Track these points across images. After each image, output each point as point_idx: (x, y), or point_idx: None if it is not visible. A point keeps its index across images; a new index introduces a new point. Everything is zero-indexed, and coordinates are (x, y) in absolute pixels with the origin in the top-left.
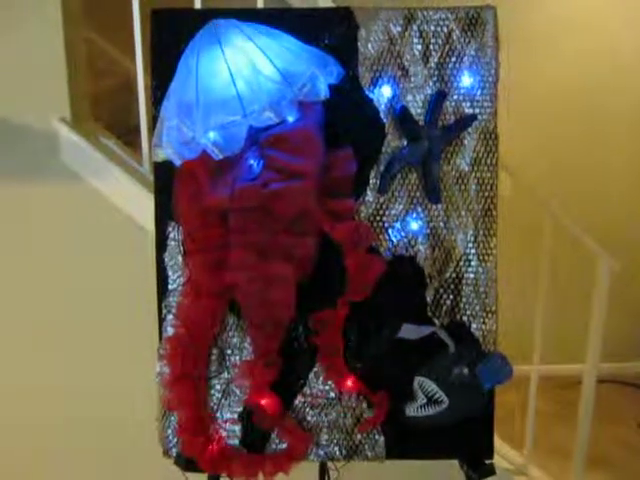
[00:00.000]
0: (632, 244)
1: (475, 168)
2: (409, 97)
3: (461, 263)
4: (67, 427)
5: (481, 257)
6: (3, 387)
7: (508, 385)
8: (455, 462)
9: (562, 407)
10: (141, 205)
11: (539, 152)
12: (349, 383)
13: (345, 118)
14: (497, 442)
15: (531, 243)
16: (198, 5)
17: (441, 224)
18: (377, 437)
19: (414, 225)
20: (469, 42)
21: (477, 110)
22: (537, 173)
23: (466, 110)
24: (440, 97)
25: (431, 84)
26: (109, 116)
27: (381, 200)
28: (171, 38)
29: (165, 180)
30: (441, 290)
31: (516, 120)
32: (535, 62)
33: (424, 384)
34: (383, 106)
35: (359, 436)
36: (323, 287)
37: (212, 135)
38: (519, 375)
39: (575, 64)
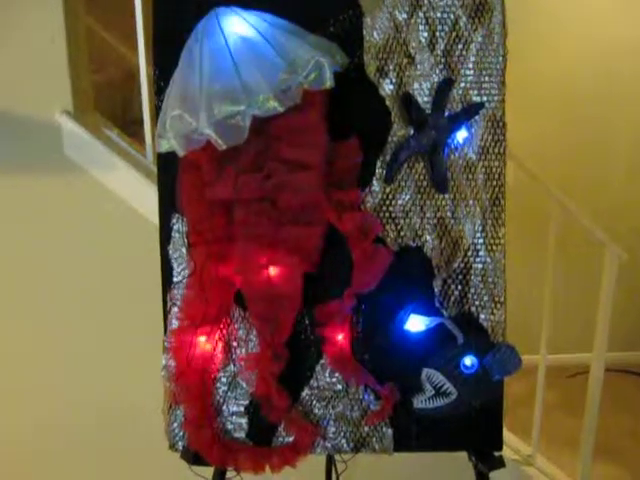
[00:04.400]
0: (637, 231)
1: (483, 157)
2: (415, 85)
3: (469, 253)
4: (73, 421)
5: (489, 247)
6: (6, 380)
7: (515, 375)
8: (464, 454)
9: (569, 397)
10: (145, 197)
11: (543, 139)
12: (356, 375)
13: (350, 107)
14: (504, 433)
15: (537, 231)
16: None
17: (449, 214)
18: (385, 429)
19: None
20: (476, 29)
21: (484, 98)
22: (541, 160)
23: (473, 98)
24: (447, 85)
25: (438, 72)
26: (112, 107)
27: (387, 190)
28: (173, 27)
29: (169, 171)
30: (449, 281)
31: (520, 107)
32: (538, 48)
33: (432, 376)
34: (389, 94)
35: (366, 428)
36: (329, 279)
37: (216, 125)
38: (525, 364)
39: (577, 50)
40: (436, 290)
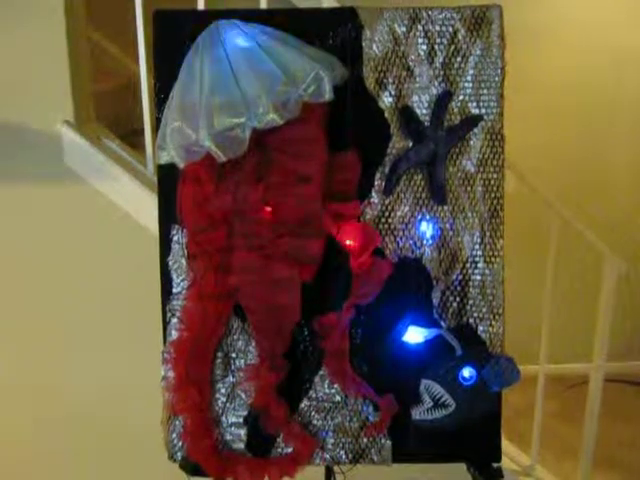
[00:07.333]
0: (637, 241)
1: (481, 169)
2: (414, 98)
3: (467, 265)
4: (71, 431)
5: (488, 259)
6: (5, 389)
7: (514, 385)
8: (462, 465)
9: (568, 407)
10: (145, 207)
11: (542, 148)
12: (355, 387)
13: (350, 119)
14: (503, 443)
15: (536, 243)
16: (201, 6)
17: (447, 226)
18: (383, 441)
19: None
20: (475, 42)
21: (483, 110)
22: (540, 171)
23: (472, 110)
24: (445, 97)
25: (436, 84)
26: (113, 118)
27: (386, 202)
28: (174, 39)
29: (169, 182)
30: (447, 292)
31: (519, 118)
32: (537, 58)
33: (430, 387)
34: (388, 107)
35: (365, 440)
36: (328, 290)
37: (215, 137)
38: (525, 375)
39: (577, 60)
40: (435, 302)
